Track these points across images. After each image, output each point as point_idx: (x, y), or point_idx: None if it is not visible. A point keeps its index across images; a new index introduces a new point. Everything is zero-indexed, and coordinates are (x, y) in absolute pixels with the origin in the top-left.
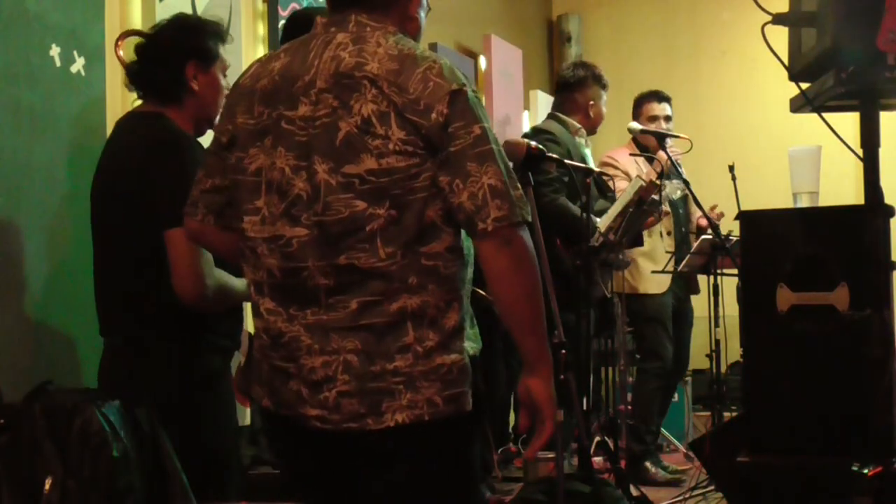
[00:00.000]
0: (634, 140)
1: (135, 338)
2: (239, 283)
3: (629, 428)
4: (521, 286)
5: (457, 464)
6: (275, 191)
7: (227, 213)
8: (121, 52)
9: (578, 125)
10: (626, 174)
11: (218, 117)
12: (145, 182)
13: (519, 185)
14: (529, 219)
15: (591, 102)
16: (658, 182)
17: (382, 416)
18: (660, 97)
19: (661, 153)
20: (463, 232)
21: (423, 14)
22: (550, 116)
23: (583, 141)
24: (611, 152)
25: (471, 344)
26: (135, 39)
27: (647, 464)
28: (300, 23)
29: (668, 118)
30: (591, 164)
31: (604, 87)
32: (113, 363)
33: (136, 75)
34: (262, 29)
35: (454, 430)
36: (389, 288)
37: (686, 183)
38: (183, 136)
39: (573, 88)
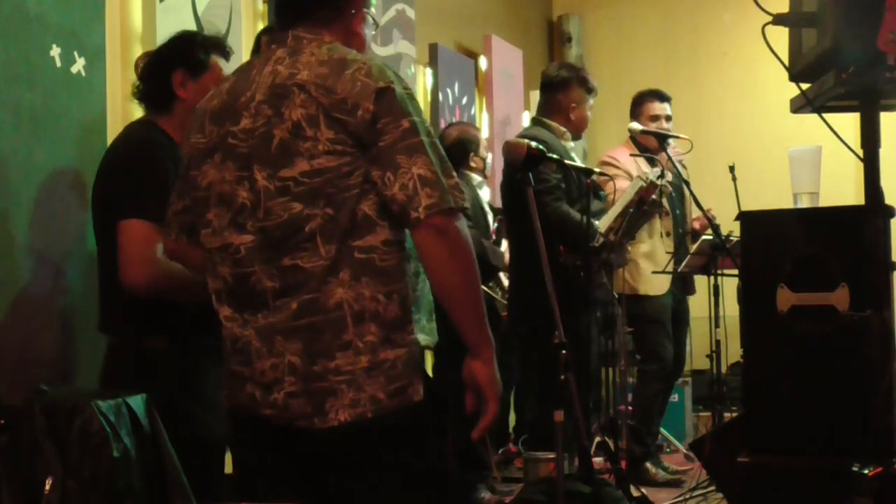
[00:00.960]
0: (633, 140)
1: (130, 335)
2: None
3: (630, 430)
4: (458, 273)
5: (412, 455)
6: (224, 202)
7: (197, 230)
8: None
9: (563, 128)
10: (628, 174)
11: None
12: (114, 179)
13: (454, 174)
14: (465, 206)
15: (574, 105)
16: (658, 183)
17: (327, 415)
18: (661, 97)
19: (661, 154)
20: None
21: (367, 30)
22: (535, 121)
23: (570, 144)
24: (611, 152)
25: (424, 336)
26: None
27: (648, 464)
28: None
29: (668, 118)
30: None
31: (589, 90)
32: (112, 361)
33: (136, 87)
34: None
35: (404, 422)
36: (324, 283)
37: (686, 184)
38: (159, 139)
39: (556, 89)
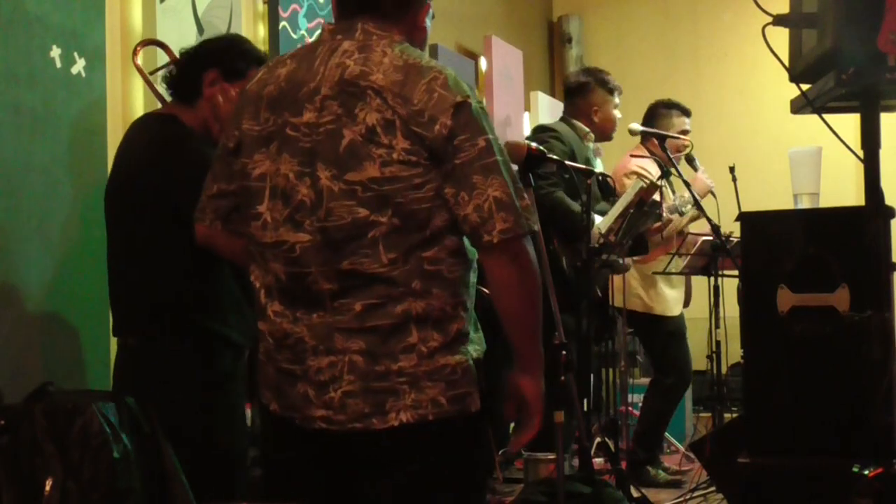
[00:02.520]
0: (650, 150)
1: (147, 337)
2: None
3: (637, 435)
4: (526, 297)
5: (461, 464)
6: (279, 196)
7: (233, 217)
8: (138, 61)
9: (587, 129)
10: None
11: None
12: (157, 181)
13: (525, 196)
14: (536, 228)
15: (595, 108)
16: (658, 183)
17: (387, 415)
18: (686, 111)
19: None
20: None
21: (429, 22)
22: (561, 119)
23: (591, 146)
24: (637, 161)
25: (475, 347)
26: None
27: (648, 467)
28: None
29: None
30: (597, 168)
31: (611, 91)
32: (127, 363)
33: (168, 75)
34: (262, 30)
35: (459, 430)
36: (393, 292)
37: (687, 185)
38: (188, 132)
39: (576, 94)
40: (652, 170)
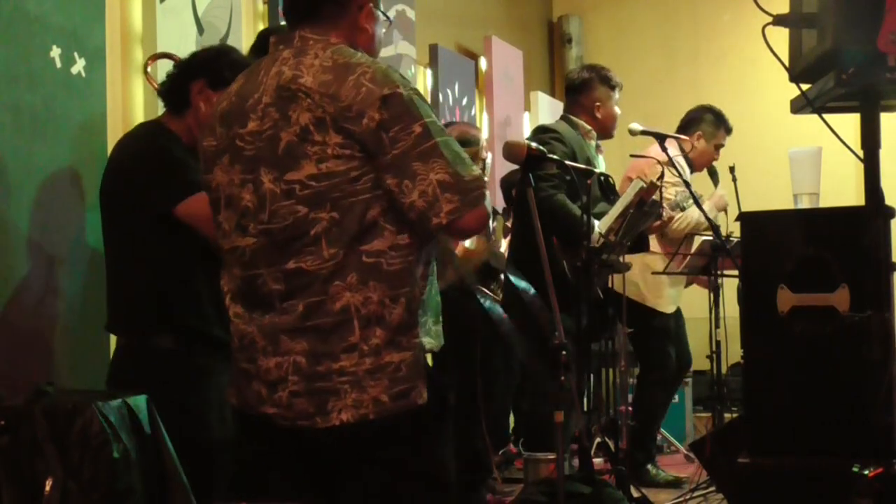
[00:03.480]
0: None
1: (134, 334)
2: None
3: (633, 436)
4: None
5: (413, 457)
6: (231, 206)
7: None
8: (149, 70)
9: (588, 127)
10: (686, 182)
11: None
12: (131, 177)
13: (472, 167)
14: (484, 192)
15: (598, 104)
16: (658, 183)
17: (329, 415)
18: (730, 129)
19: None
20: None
21: (378, 27)
22: (562, 118)
23: (593, 143)
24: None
25: (429, 340)
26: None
27: (649, 466)
28: (264, 42)
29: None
30: (600, 167)
31: (612, 87)
32: (119, 361)
33: (162, 83)
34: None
35: (406, 424)
36: (331, 288)
37: (687, 184)
38: (165, 136)
39: (578, 91)
40: (684, 167)
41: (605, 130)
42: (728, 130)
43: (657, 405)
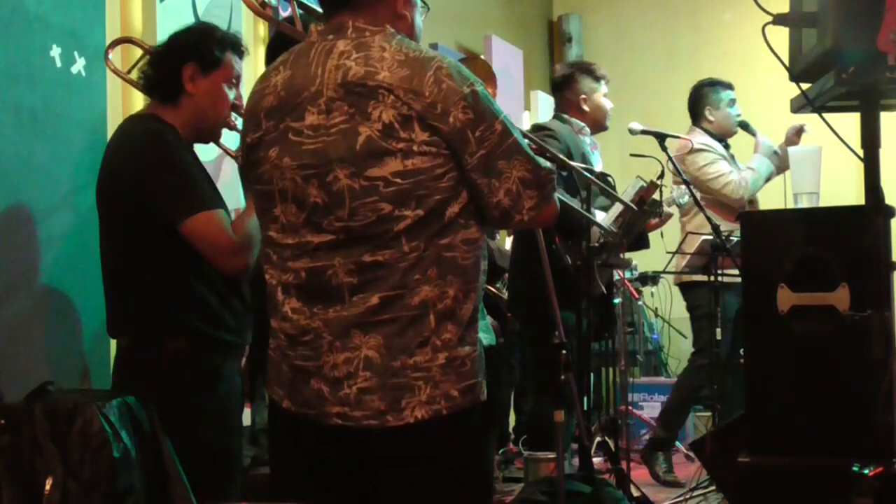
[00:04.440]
0: (703, 129)
1: (141, 337)
2: (250, 220)
3: (661, 413)
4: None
5: (474, 453)
6: (290, 200)
7: None
8: (110, 57)
9: (581, 124)
10: (723, 156)
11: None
12: (136, 181)
13: (541, 160)
14: (554, 181)
15: (583, 97)
16: (658, 183)
17: (402, 412)
18: (729, 84)
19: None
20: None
21: (417, 14)
22: (554, 116)
23: (587, 139)
24: (698, 139)
25: (484, 335)
26: (127, 47)
27: (661, 455)
28: (284, 40)
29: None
30: (596, 164)
31: (598, 79)
32: (124, 363)
33: (143, 76)
34: (262, 29)
35: (470, 420)
36: (410, 281)
37: (687, 184)
38: (160, 129)
39: (562, 87)
40: (715, 146)
41: (597, 123)
42: (728, 86)
43: (695, 388)
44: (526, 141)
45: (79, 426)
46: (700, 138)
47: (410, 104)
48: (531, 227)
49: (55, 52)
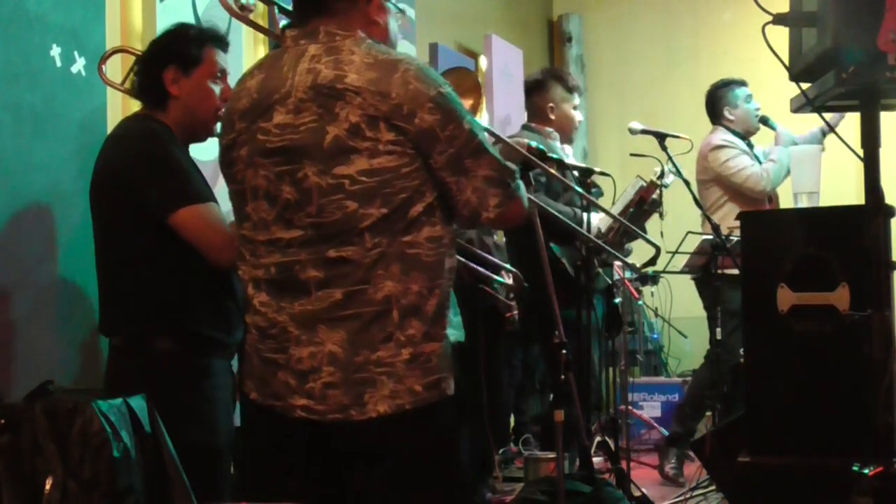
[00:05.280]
0: (725, 127)
1: (133, 336)
2: None
3: (678, 409)
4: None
5: (441, 448)
6: (262, 197)
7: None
8: (104, 68)
9: (549, 129)
10: (745, 152)
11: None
12: (126, 177)
13: (503, 159)
14: (519, 181)
15: (551, 105)
16: (658, 182)
17: (365, 406)
18: (743, 82)
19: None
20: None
21: (391, 19)
22: (523, 127)
23: (556, 144)
24: (720, 135)
25: (453, 331)
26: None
27: (674, 453)
28: None
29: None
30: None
31: (569, 89)
32: (116, 363)
33: (132, 84)
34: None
35: (436, 415)
36: (373, 276)
37: (686, 183)
38: (156, 128)
39: (532, 92)
40: (737, 142)
41: (562, 132)
42: (742, 83)
43: (713, 385)
44: (492, 140)
45: (79, 426)
46: (722, 135)
47: (377, 105)
48: (498, 226)
49: (55, 51)
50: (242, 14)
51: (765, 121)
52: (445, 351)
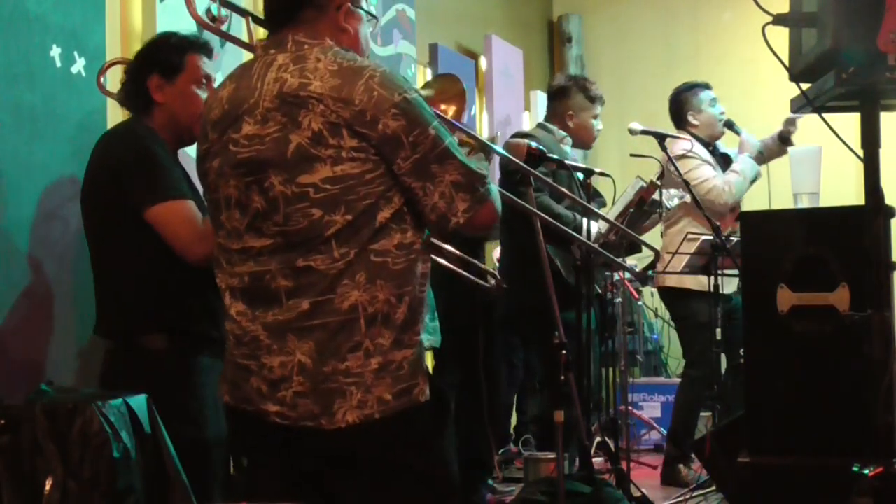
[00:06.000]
0: (689, 132)
1: (124, 336)
2: None
3: (669, 432)
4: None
5: (416, 455)
6: (234, 206)
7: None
8: (102, 80)
9: (564, 133)
10: (708, 162)
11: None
12: (111, 176)
13: (474, 164)
14: (490, 185)
15: (570, 112)
16: (658, 183)
17: (334, 416)
18: (707, 85)
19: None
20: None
21: (362, 26)
22: (538, 125)
23: (568, 149)
24: (682, 144)
25: (427, 336)
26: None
27: (680, 466)
28: None
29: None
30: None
31: (591, 99)
32: (110, 364)
33: (119, 91)
34: (262, 30)
35: (409, 422)
36: (339, 285)
37: (686, 184)
38: (136, 129)
39: (555, 97)
40: (700, 151)
41: (579, 141)
42: (706, 86)
43: (697, 401)
44: (457, 147)
45: (79, 426)
46: (684, 145)
47: (339, 112)
48: (470, 231)
49: (55, 52)
50: (214, 25)
51: (730, 125)
52: (418, 357)
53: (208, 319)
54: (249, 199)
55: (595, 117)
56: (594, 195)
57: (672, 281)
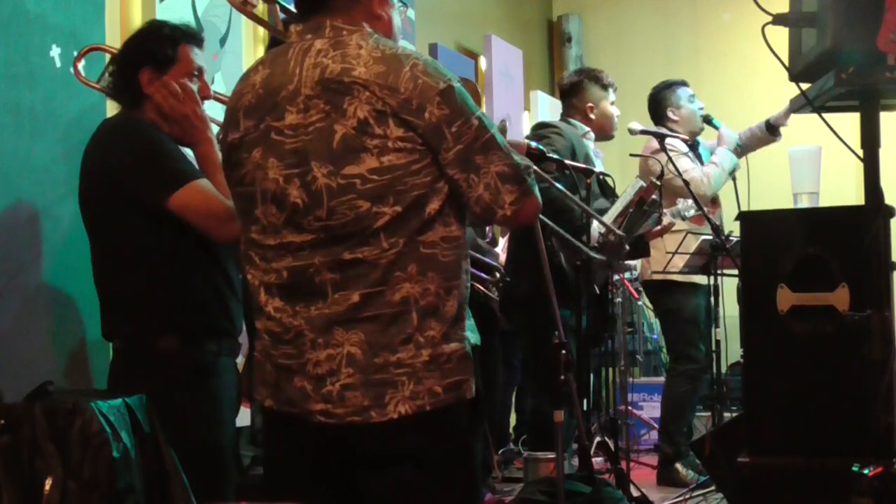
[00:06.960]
0: (669, 129)
1: (133, 338)
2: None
3: (660, 430)
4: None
5: (459, 452)
6: (270, 201)
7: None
8: (80, 66)
9: (587, 128)
10: (685, 154)
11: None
12: (113, 173)
13: (517, 156)
14: (533, 177)
15: (590, 105)
16: (658, 183)
17: (385, 407)
18: (683, 82)
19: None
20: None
21: (395, 13)
22: (561, 118)
23: (590, 144)
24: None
25: (471, 334)
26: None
27: (678, 465)
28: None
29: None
30: (597, 167)
31: (605, 87)
32: (118, 365)
33: (107, 85)
34: (262, 29)
35: (454, 417)
36: (390, 277)
37: (686, 184)
38: (131, 120)
39: (570, 94)
40: (677, 144)
41: (602, 131)
42: (683, 83)
43: (683, 396)
44: (505, 143)
45: (78, 426)
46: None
47: (385, 100)
48: (514, 225)
49: (55, 52)
50: (245, 8)
51: (708, 120)
52: (465, 353)
53: (223, 319)
54: (287, 194)
55: (612, 104)
56: (611, 194)
57: (657, 274)
